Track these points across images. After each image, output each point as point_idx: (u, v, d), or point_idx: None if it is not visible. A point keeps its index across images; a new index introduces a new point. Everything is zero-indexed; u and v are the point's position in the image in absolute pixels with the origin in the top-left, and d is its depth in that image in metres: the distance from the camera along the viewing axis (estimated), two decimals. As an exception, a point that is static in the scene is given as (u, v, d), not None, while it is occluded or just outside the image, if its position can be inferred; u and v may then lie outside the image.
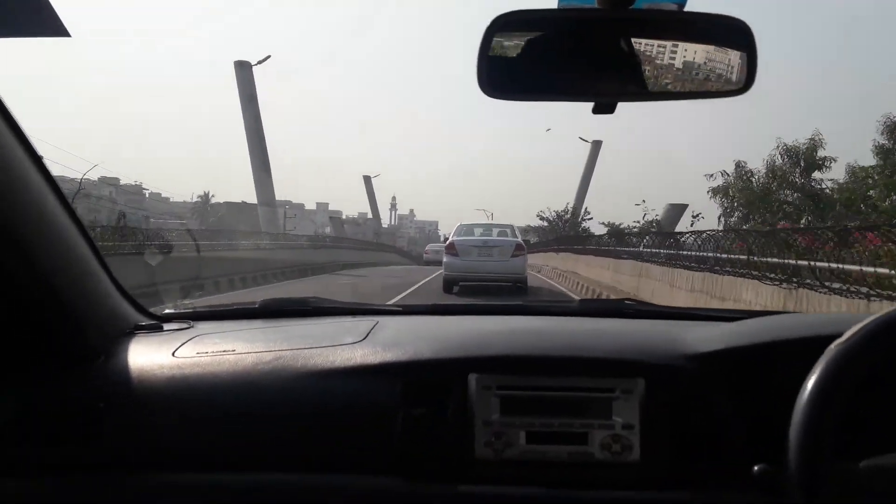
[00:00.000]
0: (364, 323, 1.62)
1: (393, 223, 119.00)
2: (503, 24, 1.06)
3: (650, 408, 1.24)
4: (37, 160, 1.23)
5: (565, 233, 40.55)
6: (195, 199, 77.55)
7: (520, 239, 14.48)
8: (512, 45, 1.07)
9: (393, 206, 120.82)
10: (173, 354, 1.44)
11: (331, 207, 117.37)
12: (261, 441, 1.30)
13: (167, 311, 1.80)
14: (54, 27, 1.25)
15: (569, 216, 45.24)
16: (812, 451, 0.90)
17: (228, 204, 67.09)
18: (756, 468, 0.97)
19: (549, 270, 26.32)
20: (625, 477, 1.23)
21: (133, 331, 1.56)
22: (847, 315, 1.33)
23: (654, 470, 1.23)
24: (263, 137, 40.39)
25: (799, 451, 0.90)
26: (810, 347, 1.00)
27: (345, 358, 1.37)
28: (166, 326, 1.64)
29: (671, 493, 1.23)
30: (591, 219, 45.17)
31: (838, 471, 0.91)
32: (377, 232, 68.06)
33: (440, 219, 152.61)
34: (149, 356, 1.43)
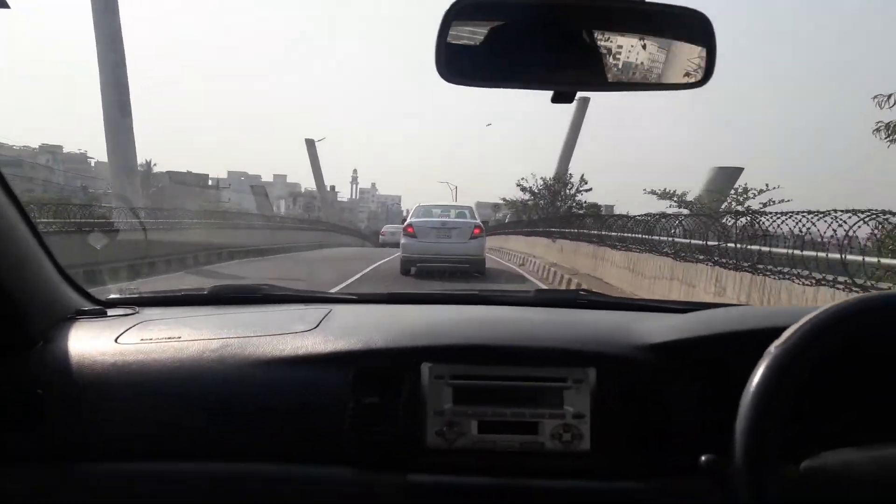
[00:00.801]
0: (316, 311, 1.59)
1: (354, 197, 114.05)
2: (462, 9, 1.04)
3: (601, 397, 1.25)
4: None
5: (555, 209, 31.68)
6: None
7: (478, 220, 14.32)
8: (471, 30, 1.05)
9: (354, 180, 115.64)
10: (116, 340, 1.39)
11: (290, 180, 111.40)
12: (206, 430, 1.27)
13: (112, 296, 1.74)
14: None
15: (562, 187, 33.55)
16: (756, 452, 0.92)
17: (171, 174, 60.90)
18: (703, 458, 0.99)
19: (540, 267, 18.01)
20: (575, 466, 1.24)
21: (75, 316, 1.50)
22: (796, 309, 1.36)
23: (604, 459, 1.24)
24: (126, 83, 26.89)
25: (744, 452, 0.92)
26: (757, 341, 1.02)
27: (294, 346, 1.34)
28: (110, 312, 1.58)
29: (621, 483, 1.24)
30: (590, 190, 33.75)
31: (783, 471, 0.93)
32: (323, 205, 59.47)
33: (403, 194, 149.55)
34: (90, 342, 1.38)
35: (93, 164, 72.27)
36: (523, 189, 34.76)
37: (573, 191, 33.80)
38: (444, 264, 13.19)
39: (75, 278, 1.57)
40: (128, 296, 1.78)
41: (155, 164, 64.10)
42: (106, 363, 1.32)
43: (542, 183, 34.46)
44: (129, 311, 1.62)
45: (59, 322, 1.45)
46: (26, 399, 1.26)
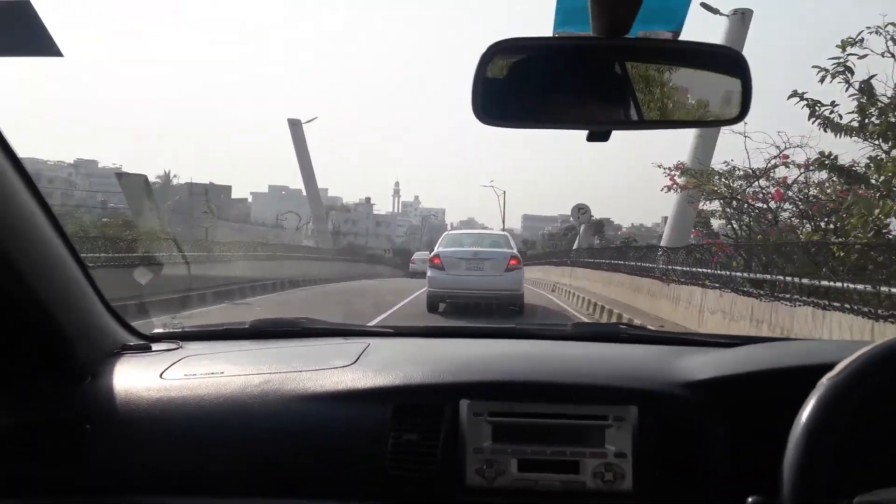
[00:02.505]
0: (355, 345, 1.60)
1: (396, 211, 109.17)
2: (498, 52, 1.06)
3: (643, 436, 1.23)
4: (20, 170, 1.21)
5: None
6: (154, 180, 68.11)
7: (515, 250, 12.62)
8: (507, 72, 1.07)
9: (396, 192, 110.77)
10: (161, 376, 1.42)
11: (331, 194, 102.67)
12: (248, 466, 1.28)
13: (156, 330, 1.78)
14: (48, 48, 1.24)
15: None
16: (806, 489, 0.89)
17: (191, 185, 54.47)
18: (750, 500, 0.96)
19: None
20: None
21: (121, 351, 1.54)
22: (845, 343, 1.33)
23: (647, 499, 1.21)
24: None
25: (793, 489, 0.89)
26: (804, 378, 0.99)
27: (334, 382, 1.35)
28: (154, 346, 1.62)
29: None
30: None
31: None
32: (315, 215, 42.67)
33: (448, 207, 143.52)
34: (136, 377, 1.41)
35: (115, 175, 72.33)
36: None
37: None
38: (475, 300, 11.65)
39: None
40: (171, 330, 1.82)
41: (175, 176, 61.20)
42: (151, 399, 1.35)
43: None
44: (172, 345, 1.66)
45: (106, 357, 1.48)
46: (74, 433, 1.29)
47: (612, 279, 16.64)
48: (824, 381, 0.94)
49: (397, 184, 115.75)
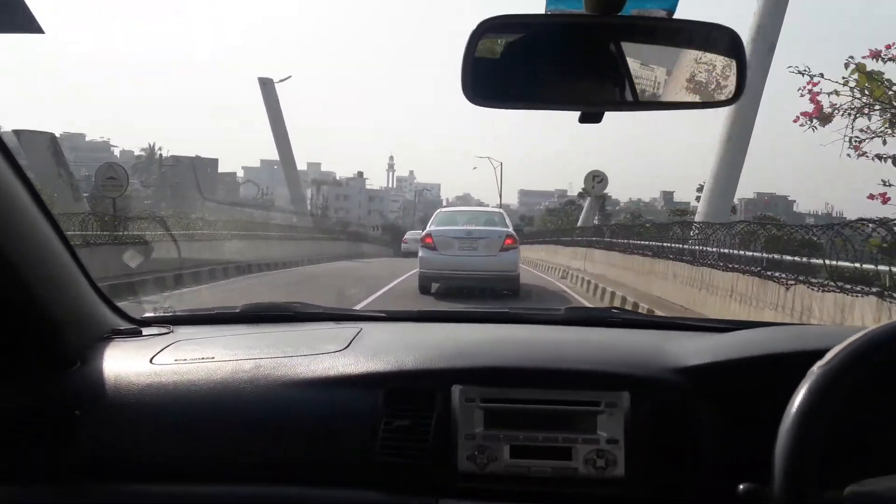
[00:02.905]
0: (347, 330, 1.59)
1: (390, 186, 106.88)
2: (488, 29, 1.03)
3: (635, 422, 1.22)
4: (4, 152, 1.19)
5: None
6: (138, 153, 61.58)
7: (510, 229, 11.99)
8: (497, 50, 1.05)
9: (390, 167, 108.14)
10: (151, 361, 1.41)
11: (325, 168, 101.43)
12: (239, 452, 1.27)
13: (147, 314, 1.76)
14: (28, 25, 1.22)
15: None
16: (797, 477, 0.88)
17: (175, 158, 51.62)
18: (742, 486, 0.95)
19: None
20: (609, 492, 1.21)
21: (111, 335, 1.53)
22: (839, 328, 1.32)
23: (639, 485, 1.21)
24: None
25: (784, 477, 0.88)
26: (797, 364, 0.98)
27: (326, 367, 1.34)
28: (145, 331, 1.61)
29: None
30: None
31: (826, 497, 0.89)
32: (291, 185, 39.54)
33: (443, 183, 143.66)
34: (126, 363, 1.40)
35: (117, 154, 68.34)
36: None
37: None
38: (469, 281, 11.13)
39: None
40: (161, 314, 1.80)
41: (160, 149, 56.89)
42: (141, 384, 1.34)
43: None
44: (163, 329, 1.64)
45: (96, 342, 1.47)
46: (64, 419, 1.28)
47: (653, 268, 12.63)
48: (815, 368, 0.93)
49: (392, 158, 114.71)
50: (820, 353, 0.95)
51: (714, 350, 1.35)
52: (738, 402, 1.23)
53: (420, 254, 11.76)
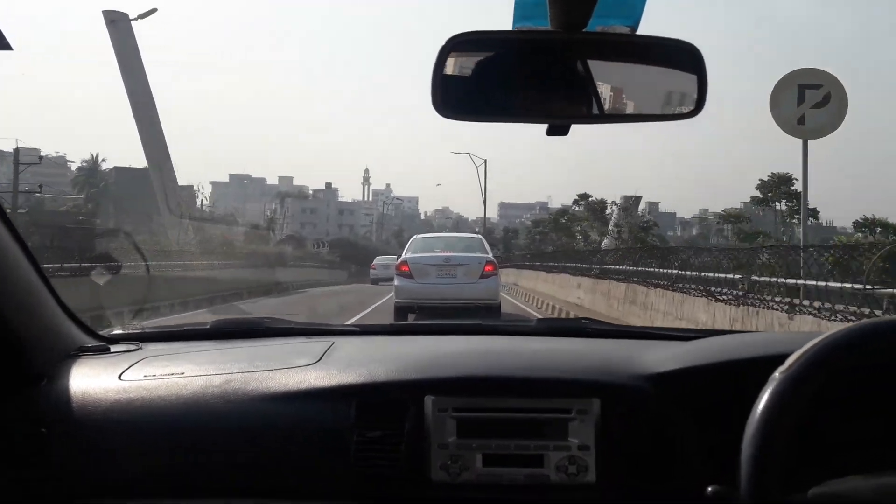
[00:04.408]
0: (319, 344, 1.59)
1: (366, 199, 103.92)
2: (457, 44, 1.05)
3: (606, 429, 1.24)
4: None
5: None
6: (80, 164, 56.52)
7: (490, 255, 11.74)
8: (466, 65, 1.07)
9: (366, 180, 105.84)
10: (120, 377, 1.39)
11: (297, 182, 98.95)
12: (210, 468, 1.26)
13: (115, 331, 1.74)
14: None
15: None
16: (762, 480, 0.90)
17: (118, 169, 48.79)
18: (710, 489, 0.97)
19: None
20: (581, 498, 1.23)
21: (78, 353, 1.50)
22: (800, 335, 1.35)
23: (610, 491, 1.22)
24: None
25: (749, 479, 0.90)
26: (761, 369, 1.01)
27: (297, 381, 1.34)
28: (113, 348, 1.59)
29: None
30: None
31: (790, 499, 0.91)
32: (163, 185, 26.79)
33: (421, 196, 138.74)
34: (94, 379, 1.38)
35: (73, 169, 60.80)
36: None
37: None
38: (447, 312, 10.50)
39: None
40: (130, 331, 1.78)
41: (104, 160, 53.32)
42: (109, 400, 1.32)
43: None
44: (132, 346, 1.62)
45: (62, 359, 1.45)
46: (30, 437, 1.26)
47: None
48: (777, 374, 0.96)
49: (367, 170, 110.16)
50: (783, 359, 0.98)
51: (682, 357, 1.38)
52: (705, 407, 1.25)
53: (395, 282, 11.39)
